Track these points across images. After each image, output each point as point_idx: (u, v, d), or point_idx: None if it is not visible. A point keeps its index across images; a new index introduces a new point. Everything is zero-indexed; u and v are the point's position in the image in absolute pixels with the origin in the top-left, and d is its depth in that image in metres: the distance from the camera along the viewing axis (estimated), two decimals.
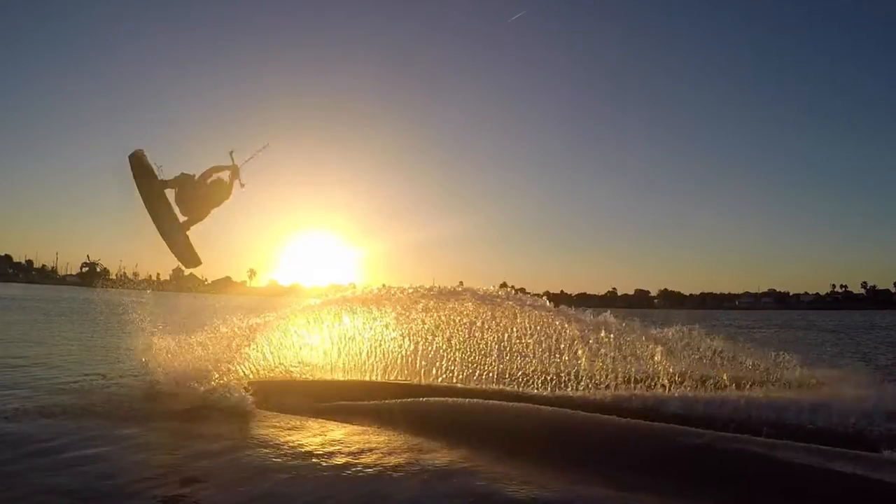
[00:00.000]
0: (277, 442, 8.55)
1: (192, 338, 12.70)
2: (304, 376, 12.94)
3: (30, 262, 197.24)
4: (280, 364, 12.77)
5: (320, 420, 9.93)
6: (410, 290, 12.14)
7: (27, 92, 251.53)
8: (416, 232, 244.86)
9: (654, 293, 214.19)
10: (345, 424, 9.62)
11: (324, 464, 7.62)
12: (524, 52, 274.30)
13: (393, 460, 7.80)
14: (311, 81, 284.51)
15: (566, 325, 11.48)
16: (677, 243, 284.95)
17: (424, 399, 10.58)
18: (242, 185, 12.34)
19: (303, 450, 8.18)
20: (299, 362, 13.18)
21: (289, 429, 9.30)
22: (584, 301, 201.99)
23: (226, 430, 9.21)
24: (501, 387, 11.58)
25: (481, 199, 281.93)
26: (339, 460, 7.74)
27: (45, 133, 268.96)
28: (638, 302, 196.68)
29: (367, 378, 12.76)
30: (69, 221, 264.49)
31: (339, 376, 13.05)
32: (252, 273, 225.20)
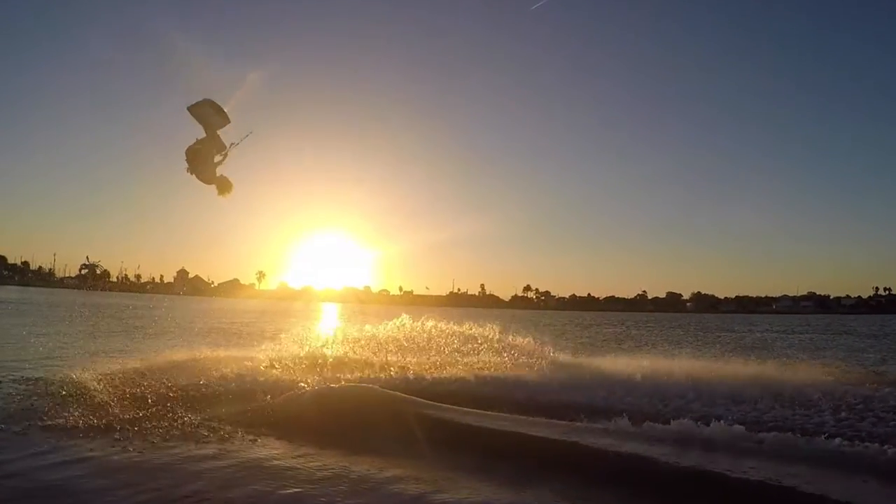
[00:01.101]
0: (240, 459, 8.46)
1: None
2: None
3: (26, 264, 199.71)
4: None
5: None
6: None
7: (23, 86, 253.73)
8: (434, 232, 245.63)
9: (686, 296, 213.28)
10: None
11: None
12: (545, 42, 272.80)
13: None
14: (321, 72, 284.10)
15: None
16: (711, 244, 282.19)
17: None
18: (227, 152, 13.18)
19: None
20: None
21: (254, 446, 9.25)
22: (612, 304, 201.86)
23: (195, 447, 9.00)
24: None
25: (503, 196, 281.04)
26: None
27: (43, 128, 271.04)
28: (669, 305, 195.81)
29: None
30: (68, 221, 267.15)
31: None
32: (261, 275, 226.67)
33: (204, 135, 12.87)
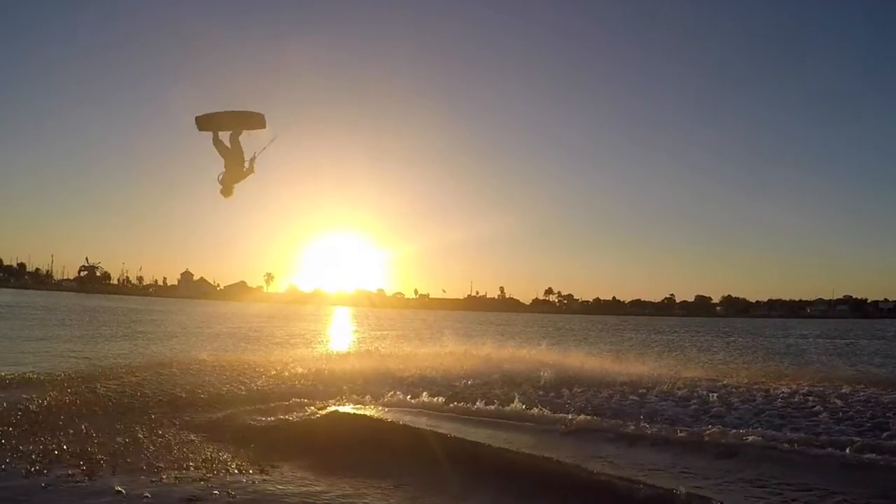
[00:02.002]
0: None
1: None
2: None
3: (22, 266, 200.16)
4: None
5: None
6: None
7: (19, 81, 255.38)
8: (452, 231, 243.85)
9: (716, 300, 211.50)
10: None
11: None
12: (569, 34, 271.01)
13: None
14: (333, 64, 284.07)
15: None
16: (742, 245, 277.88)
17: None
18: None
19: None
20: None
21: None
22: (638, 308, 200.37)
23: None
24: None
25: (523, 195, 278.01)
26: None
27: (40, 121, 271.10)
28: (698, 309, 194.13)
29: None
30: (66, 220, 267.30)
31: None
32: (269, 277, 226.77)
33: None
